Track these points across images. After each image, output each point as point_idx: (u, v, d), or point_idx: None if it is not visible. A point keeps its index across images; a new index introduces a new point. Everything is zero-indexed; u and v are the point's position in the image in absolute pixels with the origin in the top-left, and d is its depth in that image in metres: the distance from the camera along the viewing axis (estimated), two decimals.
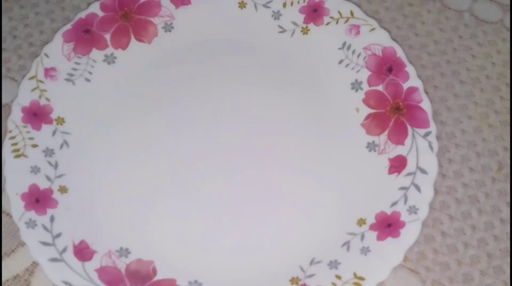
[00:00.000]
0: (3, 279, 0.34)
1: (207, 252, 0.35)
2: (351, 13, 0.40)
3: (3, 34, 0.42)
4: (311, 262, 0.34)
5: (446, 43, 0.42)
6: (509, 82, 0.41)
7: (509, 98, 0.40)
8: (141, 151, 0.38)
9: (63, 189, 0.35)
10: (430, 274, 0.35)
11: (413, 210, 0.34)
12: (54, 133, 0.37)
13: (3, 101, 0.40)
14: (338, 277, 0.33)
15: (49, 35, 0.42)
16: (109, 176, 0.37)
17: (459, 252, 0.36)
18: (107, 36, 0.40)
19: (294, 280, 0.34)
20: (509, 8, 0.43)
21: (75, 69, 0.39)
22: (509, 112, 0.40)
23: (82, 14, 0.39)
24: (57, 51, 0.38)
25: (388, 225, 0.34)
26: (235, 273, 0.34)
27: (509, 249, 0.36)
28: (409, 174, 0.36)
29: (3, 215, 0.36)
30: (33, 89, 0.37)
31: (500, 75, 0.41)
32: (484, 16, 0.43)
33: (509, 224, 0.37)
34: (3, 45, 0.42)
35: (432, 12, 0.43)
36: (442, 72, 0.41)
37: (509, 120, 0.40)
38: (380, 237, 0.34)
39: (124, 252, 0.34)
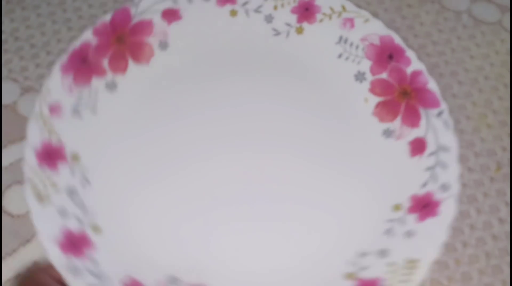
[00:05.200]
0: (4, 278, 0.35)
1: (258, 272, 0.34)
2: (343, 7, 0.40)
3: (5, 36, 0.42)
4: (359, 256, 0.34)
5: (445, 44, 0.42)
6: (507, 83, 0.41)
7: (507, 99, 0.40)
8: (162, 174, 0.36)
9: (96, 229, 0.33)
10: (428, 273, 0.36)
11: (444, 187, 0.34)
12: (72, 171, 0.35)
13: (5, 102, 0.40)
14: (391, 264, 0.33)
15: (50, 37, 0.42)
16: (137, 205, 0.35)
17: (457, 251, 0.36)
18: (105, 62, 0.38)
19: (349, 275, 0.33)
20: (507, 9, 0.44)
21: (79, 102, 0.37)
22: (508, 112, 0.40)
23: (76, 44, 0.37)
24: (57, 85, 0.36)
25: (424, 206, 0.34)
26: (291, 280, 0.33)
27: (507, 248, 0.36)
28: (431, 153, 0.36)
29: (3, 215, 0.36)
30: (42, 129, 0.35)
31: (499, 76, 0.41)
32: (483, 17, 0.44)
33: (508, 224, 0.37)
34: (5, 47, 0.42)
35: (430, 13, 0.44)
36: (440, 73, 0.41)
37: (507, 120, 0.40)
38: (419, 219, 0.34)
39: (173, 280, 0.33)
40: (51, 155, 0.35)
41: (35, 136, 0.34)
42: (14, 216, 0.36)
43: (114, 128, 0.37)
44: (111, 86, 0.38)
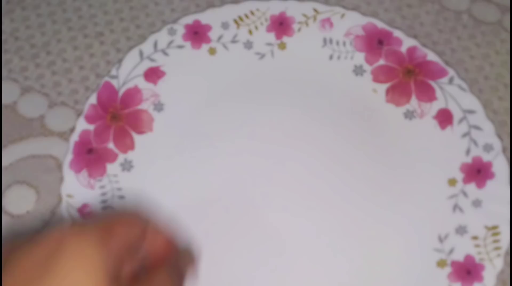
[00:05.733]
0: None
1: None
2: (315, 10, 0.40)
3: (5, 36, 0.42)
4: (441, 240, 0.34)
5: (445, 44, 0.42)
6: (507, 83, 0.41)
7: (507, 99, 0.40)
8: (222, 242, 0.36)
9: None
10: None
11: (487, 148, 0.35)
12: None
13: (5, 102, 0.40)
14: (475, 238, 0.33)
15: (50, 37, 0.42)
16: None
17: None
18: (111, 145, 0.37)
19: (440, 263, 0.33)
20: (507, 9, 0.44)
21: (104, 194, 0.35)
22: (508, 112, 0.40)
23: (75, 137, 0.36)
24: (75, 186, 0.35)
25: (477, 172, 0.35)
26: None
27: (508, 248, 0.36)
28: (460, 120, 0.36)
29: (3, 215, 0.36)
30: None
31: (499, 76, 0.41)
32: (483, 17, 0.44)
33: (508, 224, 0.37)
34: (5, 47, 0.42)
35: (430, 13, 0.44)
36: None
37: (507, 121, 0.40)
38: (479, 186, 0.35)
39: None
40: None
41: None
42: (14, 216, 0.36)
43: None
44: (128, 167, 0.37)
